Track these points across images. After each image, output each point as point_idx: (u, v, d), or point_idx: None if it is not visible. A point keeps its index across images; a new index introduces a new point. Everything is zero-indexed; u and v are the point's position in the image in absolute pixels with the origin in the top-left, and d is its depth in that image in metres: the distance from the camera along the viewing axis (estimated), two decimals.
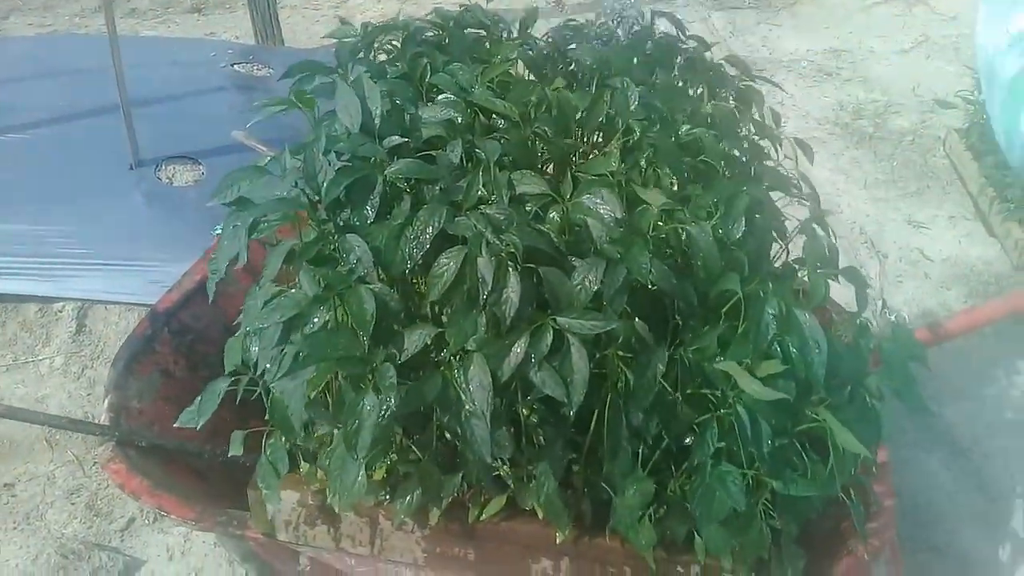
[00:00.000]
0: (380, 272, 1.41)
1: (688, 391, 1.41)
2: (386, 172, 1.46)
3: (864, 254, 3.61)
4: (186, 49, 4.51)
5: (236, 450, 1.59)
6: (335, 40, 1.87)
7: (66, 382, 3.03)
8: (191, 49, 4.52)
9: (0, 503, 2.68)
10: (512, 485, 1.54)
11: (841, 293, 1.69)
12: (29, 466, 2.78)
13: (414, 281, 1.54)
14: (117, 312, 3.18)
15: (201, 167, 3.55)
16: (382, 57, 1.88)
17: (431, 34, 1.89)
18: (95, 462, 2.79)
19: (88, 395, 2.99)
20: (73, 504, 2.68)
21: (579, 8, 5.25)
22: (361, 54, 1.82)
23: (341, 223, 1.46)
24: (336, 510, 1.55)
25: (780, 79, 4.59)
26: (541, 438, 1.48)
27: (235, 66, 4.23)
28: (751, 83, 1.98)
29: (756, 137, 1.89)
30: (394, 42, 1.90)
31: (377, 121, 1.52)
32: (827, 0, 5.67)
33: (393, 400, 1.28)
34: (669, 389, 1.39)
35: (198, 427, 1.54)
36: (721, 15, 5.45)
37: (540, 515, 1.52)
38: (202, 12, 5.48)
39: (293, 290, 1.43)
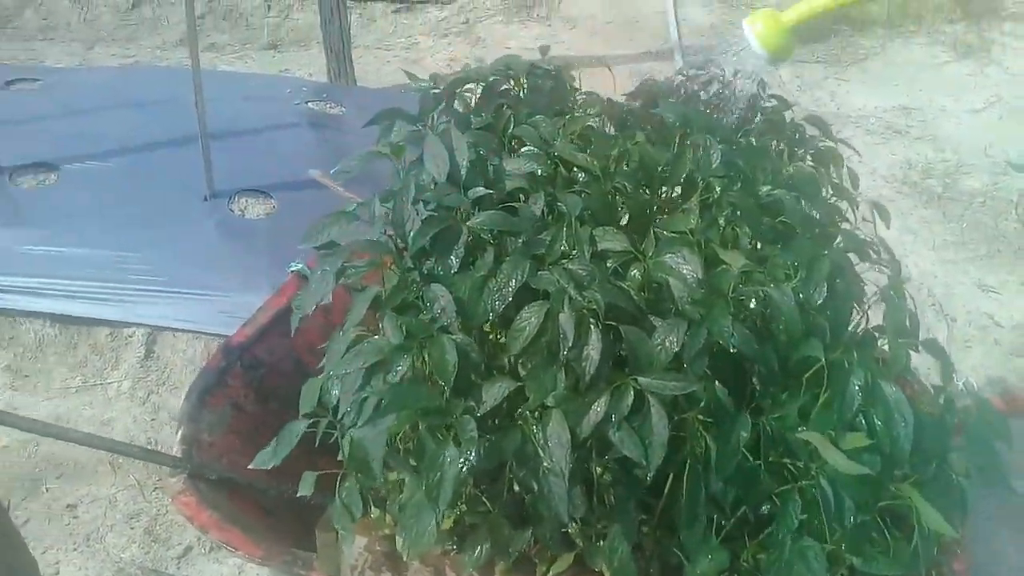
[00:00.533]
0: (460, 323, 1.42)
1: (769, 459, 1.39)
2: (469, 223, 1.48)
3: (931, 317, 3.54)
4: (262, 85, 4.61)
5: (306, 490, 1.60)
6: (408, 83, 1.91)
7: (132, 406, 3.08)
8: (267, 85, 4.62)
9: (62, 524, 2.72)
10: (581, 544, 1.53)
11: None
12: (92, 488, 2.83)
13: (491, 334, 1.55)
14: (185, 340, 3.23)
15: (273, 201, 3.62)
16: (459, 107, 1.91)
17: (507, 87, 1.91)
18: (155, 487, 2.83)
19: (152, 420, 3.04)
20: (132, 528, 2.71)
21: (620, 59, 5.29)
22: (443, 104, 1.85)
23: (425, 272, 1.47)
24: (404, 558, 1.55)
25: (848, 135, 4.53)
26: (613, 498, 1.46)
27: (309, 103, 4.32)
28: (831, 144, 1.98)
29: (834, 198, 1.88)
30: (468, 92, 1.92)
31: (463, 172, 1.55)
32: (897, 57, 5.62)
33: (473, 454, 1.28)
34: (749, 457, 1.38)
35: (270, 467, 1.56)
36: (788, 69, 5.43)
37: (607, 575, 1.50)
38: (278, 49, 5.61)
39: (376, 336, 1.45)
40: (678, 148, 1.68)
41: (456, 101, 1.86)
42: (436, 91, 1.81)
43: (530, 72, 1.91)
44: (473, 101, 1.89)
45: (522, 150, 1.68)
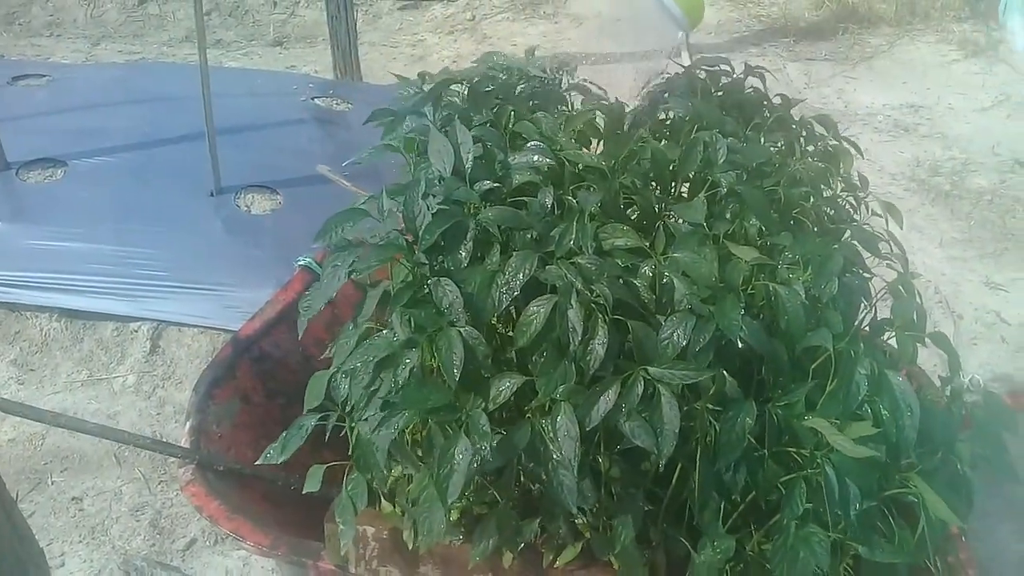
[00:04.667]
0: (469, 317, 1.42)
1: (774, 448, 1.39)
2: (478, 218, 1.48)
3: (938, 314, 3.54)
4: (268, 81, 4.62)
5: (313, 486, 1.60)
6: (392, 84, 1.91)
7: (137, 400, 3.09)
8: (273, 81, 4.62)
9: (68, 516, 2.73)
10: (588, 535, 1.53)
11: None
12: (97, 481, 2.84)
13: (498, 328, 1.55)
14: (190, 335, 3.24)
15: (279, 196, 3.62)
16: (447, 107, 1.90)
17: (492, 87, 1.91)
18: (160, 481, 2.84)
19: (158, 414, 3.05)
20: (137, 521, 2.72)
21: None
22: (430, 105, 1.85)
23: (436, 267, 1.48)
24: (409, 547, 1.55)
25: (855, 132, 4.54)
26: (620, 489, 1.47)
27: (315, 100, 4.33)
28: (839, 142, 1.98)
29: (844, 194, 1.88)
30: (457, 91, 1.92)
31: (469, 166, 1.55)
32: (905, 55, 5.61)
33: (487, 447, 1.28)
34: (756, 444, 1.38)
35: (278, 462, 1.56)
36: (796, 66, 5.43)
37: (615, 566, 1.50)
38: (283, 46, 5.62)
39: (385, 331, 1.45)
40: (687, 144, 1.68)
41: (442, 100, 1.86)
42: (421, 90, 1.81)
43: (515, 74, 1.90)
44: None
45: (528, 144, 1.68)
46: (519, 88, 1.91)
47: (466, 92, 1.87)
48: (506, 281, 1.42)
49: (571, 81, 1.99)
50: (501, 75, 1.91)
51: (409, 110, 1.75)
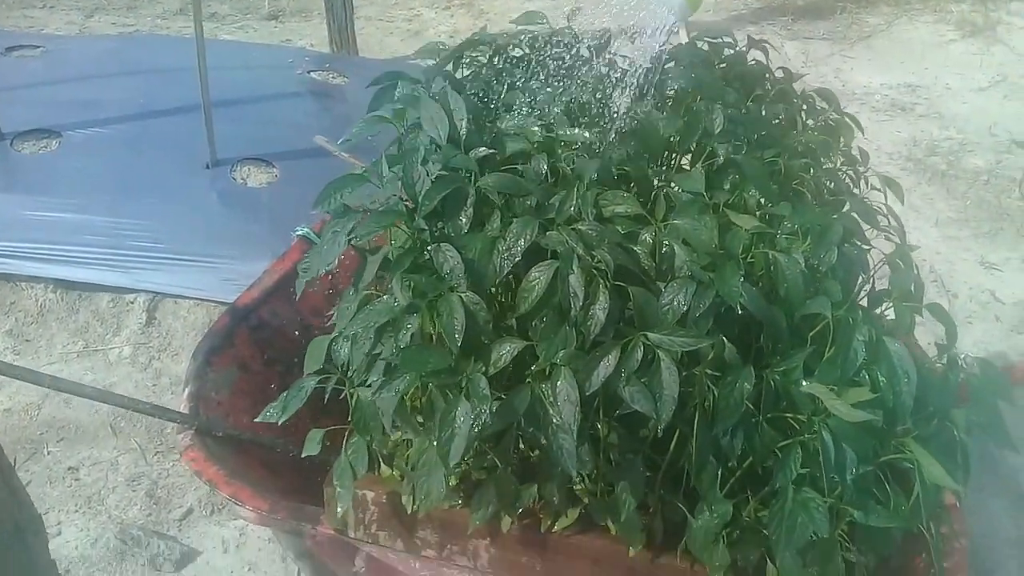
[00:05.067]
0: (470, 283, 1.42)
1: (772, 414, 1.40)
2: (478, 184, 1.48)
3: (933, 292, 3.56)
4: (264, 54, 4.60)
5: (312, 450, 1.60)
6: (413, 54, 1.90)
7: (133, 371, 3.09)
8: (269, 55, 4.61)
9: (64, 485, 2.74)
10: (586, 500, 1.54)
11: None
12: (93, 451, 2.84)
13: (498, 296, 1.55)
14: (186, 307, 3.24)
15: (275, 169, 3.61)
16: (467, 72, 1.90)
17: (518, 52, 1.90)
18: (157, 451, 2.85)
19: (153, 385, 3.05)
20: (134, 491, 2.73)
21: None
22: (450, 66, 1.84)
23: (436, 232, 1.47)
24: (408, 511, 1.56)
25: (853, 112, 4.52)
26: (619, 454, 1.47)
27: (311, 73, 4.31)
28: (840, 117, 1.98)
29: (844, 168, 1.89)
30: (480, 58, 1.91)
31: (463, 133, 1.55)
32: (903, 35, 5.61)
33: (487, 410, 1.29)
34: (753, 410, 1.39)
35: (280, 423, 1.56)
36: (794, 45, 5.42)
37: (612, 531, 1.51)
38: (279, 19, 5.58)
39: (385, 296, 1.45)
40: (690, 116, 1.68)
41: (461, 66, 1.85)
42: (444, 50, 1.81)
43: (549, 39, 1.89)
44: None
45: (510, 112, 1.67)
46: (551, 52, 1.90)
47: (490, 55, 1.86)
48: (507, 247, 1.42)
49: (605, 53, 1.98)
50: (538, 38, 1.89)
51: (433, 71, 1.75)
